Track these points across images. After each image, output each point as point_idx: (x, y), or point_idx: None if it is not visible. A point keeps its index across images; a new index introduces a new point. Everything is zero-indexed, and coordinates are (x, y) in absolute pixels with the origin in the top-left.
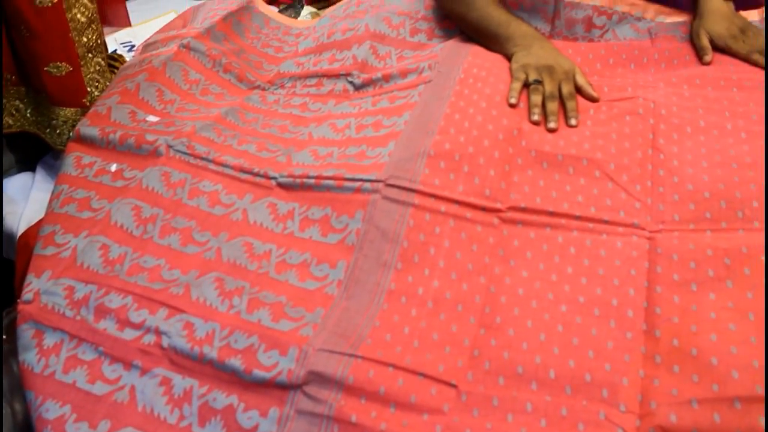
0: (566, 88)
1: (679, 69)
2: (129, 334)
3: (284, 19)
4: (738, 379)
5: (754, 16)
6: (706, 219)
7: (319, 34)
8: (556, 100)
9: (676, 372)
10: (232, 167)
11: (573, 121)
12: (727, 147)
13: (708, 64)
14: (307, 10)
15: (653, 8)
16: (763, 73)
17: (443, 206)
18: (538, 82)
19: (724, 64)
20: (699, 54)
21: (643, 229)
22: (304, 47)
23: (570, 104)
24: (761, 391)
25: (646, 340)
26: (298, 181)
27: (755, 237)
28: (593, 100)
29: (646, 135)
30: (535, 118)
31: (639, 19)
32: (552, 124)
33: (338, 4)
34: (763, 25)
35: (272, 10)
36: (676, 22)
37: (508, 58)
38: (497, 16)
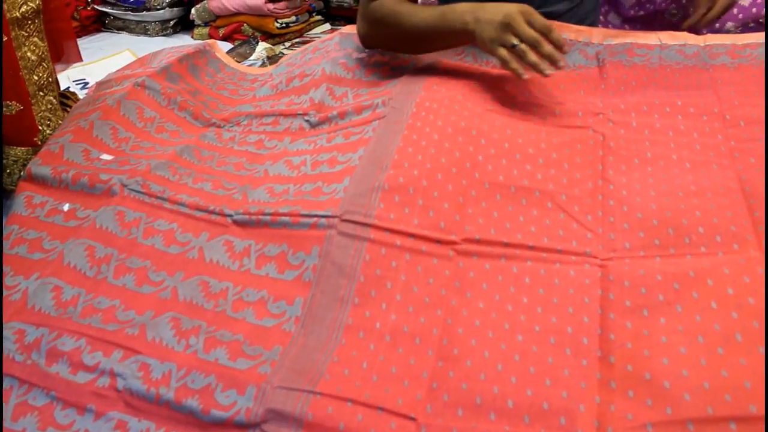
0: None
1: (627, 96)
2: (82, 377)
3: (239, 66)
4: (690, 401)
5: None
6: (655, 246)
7: (277, 82)
8: (532, 51)
9: (630, 397)
10: (188, 206)
11: (560, 64)
12: (673, 177)
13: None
14: (262, 45)
15: (598, 32)
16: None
17: (399, 240)
18: (514, 46)
19: (670, 89)
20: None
21: (596, 257)
22: (263, 94)
23: (544, 50)
24: (712, 412)
25: (601, 367)
26: (254, 218)
27: (702, 261)
28: (560, 44)
29: (595, 166)
30: (526, 77)
31: (587, 44)
32: (547, 72)
33: (294, 52)
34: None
35: (228, 57)
36: (623, 44)
37: (468, 35)
38: (431, 10)
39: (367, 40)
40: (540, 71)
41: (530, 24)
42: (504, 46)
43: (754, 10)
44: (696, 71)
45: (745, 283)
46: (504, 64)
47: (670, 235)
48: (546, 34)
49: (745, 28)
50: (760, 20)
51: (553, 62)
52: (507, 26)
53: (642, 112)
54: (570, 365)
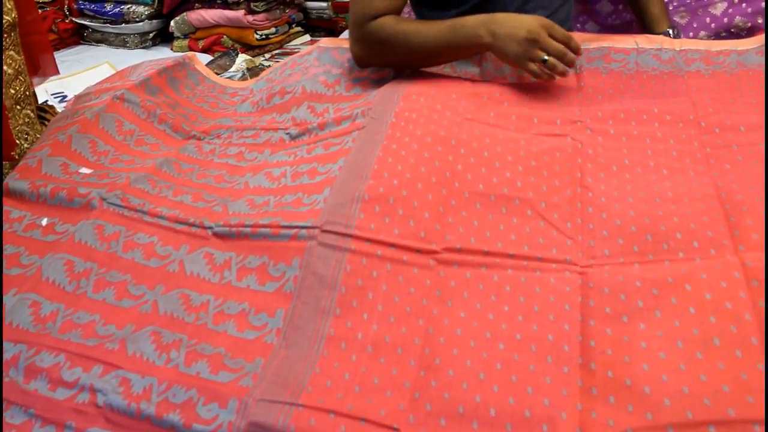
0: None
1: (604, 104)
2: (62, 394)
3: (219, 79)
4: (670, 406)
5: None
6: (633, 252)
7: (258, 99)
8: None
9: (611, 403)
10: (168, 218)
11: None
12: (650, 183)
13: None
14: (242, 57)
15: (575, 37)
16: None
17: (379, 250)
18: (545, 61)
19: (645, 97)
20: None
21: (575, 264)
22: (244, 111)
23: (568, 59)
24: (692, 417)
25: (582, 373)
26: (235, 230)
27: (680, 267)
28: (579, 50)
29: (574, 174)
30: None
31: None
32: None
33: (274, 67)
34: None
35: (208, 69)
36: (599, 48)
37: (482, 48)
38: (439, 26)
39: (364, 61)
40: (565, 76)
41: (552, 36)
42: (533, 61)
43: (725, 20)
44: (672, 78)
45: (722, 288)
46: (535, 76)
47: (649, 242)
48: (567, 43)
49: (717, 37)
50: (732, 30)
51: (573, 66)
52: (533, 42)
53: (619, 119)
54: (551, 373)
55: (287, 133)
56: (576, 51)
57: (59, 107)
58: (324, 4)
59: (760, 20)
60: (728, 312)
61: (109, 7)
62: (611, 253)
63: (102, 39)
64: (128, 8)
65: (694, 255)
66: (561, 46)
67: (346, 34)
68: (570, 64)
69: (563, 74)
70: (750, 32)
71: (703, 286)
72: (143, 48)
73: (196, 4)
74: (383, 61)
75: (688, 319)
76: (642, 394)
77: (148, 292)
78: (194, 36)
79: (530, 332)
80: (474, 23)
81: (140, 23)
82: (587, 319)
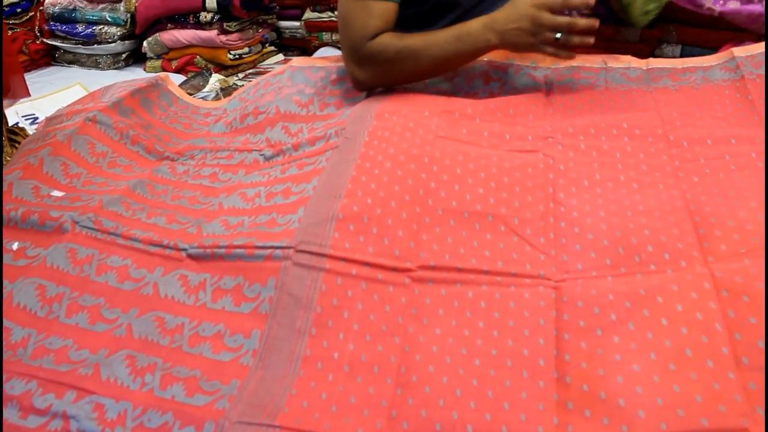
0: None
1: (574, 119)
2: (33, 422)
3: (192, 100)
4: (644, 418)
5: None
6: (606, 266)
7: (232, 119)
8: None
9: (587, 416)
10: (141, 241)
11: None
12: (621, 197)
13: None
14: (215, 77)
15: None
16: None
17: (354, 269)
18: (557, 39)
19: (615, 112)
20: None
21: (549, 279)
22: (217, 131)
23: (581, 25)
24: (666, 428)
25: (558, 388)
26: (209, 251)
27: (651, 279)
28: (586, 4)
29: (546, 189)
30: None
31: (534, 68)
32: (592, 41)
33: (247, 86)
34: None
35: (181, 90)
36: (569, 67)
37: (492, 49)
38: (444, 36)
39: (368, 83)
40: (588, 45)
41: (552, 11)
42: (548, 43)
43: None
44: (640, 94)
45: (693, 299)
46: (558, 57)
47: (621, 255)
48: (569, 7)
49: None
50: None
51: (592, 30)
52: (540, 26)
53: (590, 134)
54: (527, 388)
55: (261, 154)
56: (586, 5)
57: (30, 129)
58: (297, 24)
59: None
60: (699, 323)
61: (80, 28)
62: (584, 267)
63: (74, 60)
64: (100, 29)
65: (666, 267)
66: (566, 19)
67: (319, 53)
68: (589, 29)
69: (582, 45)
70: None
71: (675, 297)
72: (116, 69)
73: (169, 25)
74: (389, 80)
75: (661, 330)
76: (617, 407)
77: (122, 316)
78: (167, 56)
79: (506, 348)
80: (478, 29)
81: (113, 44)
82: (562, 333)
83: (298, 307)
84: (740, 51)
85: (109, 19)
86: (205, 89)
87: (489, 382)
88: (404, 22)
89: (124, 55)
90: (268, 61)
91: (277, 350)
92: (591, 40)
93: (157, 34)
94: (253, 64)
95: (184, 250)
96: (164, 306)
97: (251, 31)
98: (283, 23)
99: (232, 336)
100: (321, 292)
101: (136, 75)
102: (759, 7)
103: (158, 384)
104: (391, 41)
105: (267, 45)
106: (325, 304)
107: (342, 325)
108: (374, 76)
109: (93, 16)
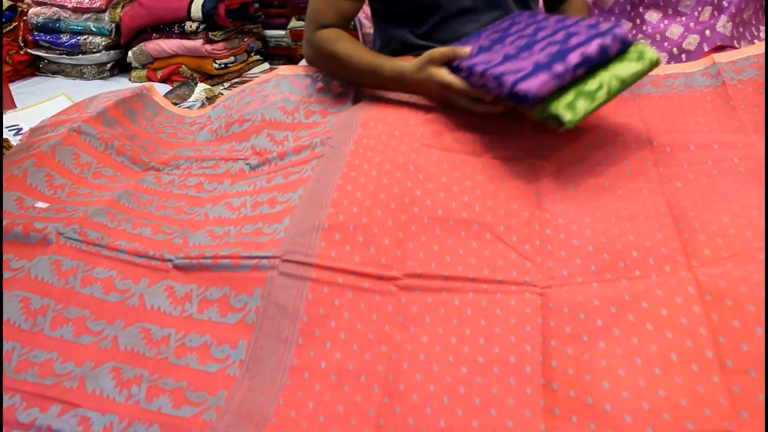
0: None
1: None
2: None
3: (177, 110)
4: (630, 422)
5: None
6: (591, 271)
7: (217, 126)
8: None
9: (574, 422)
10: (127, 252)
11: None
12: (606, 203)
13: None
14: (201, 86)
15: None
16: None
17: (341, 278)
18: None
19: (599, 118)
20: None
21: (535, 286)
22: (203, 139)
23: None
24: None
25: (545, 394)
26: (195, 262)
27: (636, 284)
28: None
29: (531, 196)
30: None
31: None
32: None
33: (231, 94)
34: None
35: (166, 100)
36: None
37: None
38: (366, 61)
39: (310, 63)
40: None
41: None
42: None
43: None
44: (623, 101)
45: (677, 304)
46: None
47: (606, 260)
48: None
49: (672, 58)
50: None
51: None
52: (446, 100)
53: (574, 141)
54: (515, 395)
55: (247, 163)
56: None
57: (14, 140)
58: (282, 33)
59: (706, 47)
60: (684, 327)
61: (65, 38)
62: (570, 273)
63: (58, 70)
64: (85, 39)
65: (650, 272)
66: (467, 104)
67: (305, 61)
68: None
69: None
70: (696, 55)
71: (659, 302)
72: (101, 79)
73: (154, 34)
74: (322, 70)
75: (646, 335)
76: (603, 412)
77: (108, 328)
78: (152, 66)
79: (493, 355)
80: (388, 74)
81: (97, 54)
82: (548, 339)
83: (284, 317)
84: (721, 57)
85: (94, 29)
86: (191, 99)
87: (476, 389)
88: (392, 20)
89: (109, 65)
90: (253, 70)
91: (264, 360)
92: (499, 109)
93: (143, 43)
94: (239, 73)
95: (170, 260)
96: (150, 317)
97: (237, 40)
98: (269, 32)
99: (218, 347)
100: (307, 302)
101: (122, 85)
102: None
103: (144, 396)
104: (329, 40)
105: (252, 54)
106: (311, 313)
107: (329, 334)
108: (312, 61)
109: (77, 26)
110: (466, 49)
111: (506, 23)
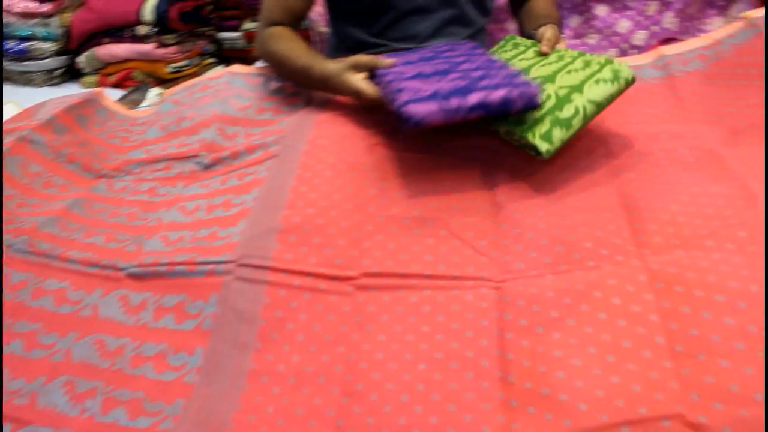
0: None
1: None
2: None
3: (129, 112)
4: (585, 410)
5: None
6: (546, 264)
7: (168, 122)
8: None
9: (531, 413)
10: (79, 262)
11: None
12: (559, 196)
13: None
14: (155, 91)
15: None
16: None
17: (297, 280)
18: None
19: None
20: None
21: (491, 280)
22: (153, 136)
23: None
24: (606, 419)
25: (502, 387)
26: (149, 269)
27: (590, 275)
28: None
29: (486, 191)
30: None
31: None
32: None
33: (181, 88)
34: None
35: (117, 105)
36: None
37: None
38: (301, 62)
39: (259, 56)
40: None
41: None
42: None
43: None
44: None
45: (629, 292)
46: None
47: (560, 252)
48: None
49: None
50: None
51: None
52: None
53: None
54: (472, 389)
55: (198, 163)
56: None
57: None
58: (236, 34)
59: (654, 41)
60: (636, 315)
61: (12, 44)
62: (525, 266)
63: (6, 77)
64: (32, 45)
65: (603, 262)
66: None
67: (260, 62)
68: None
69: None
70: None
71: (612, 291)
72: (51, 85)
73: (105, 39)
74: (268, 65)
75: (599, 324)
76: (559, 402)
77: (60, 341)
78: (104, 71)
79: (450, 350)
80: (317, 76)
81: (46, 60)
82: (504, 332)
83: (241, 322)
84: (668, 50)
85: (42, 35)
86: (144, 103)
87: (434, 385)
88: (346, 18)
89: (58, 72)
90: (208, 73)
91: (222, 366)
92: None
93: (93, 48)
94: (193, 76)
95: (124, 269)
96: (104, 328)
97: (190, 43)
98: (223, 34)
99: (175, 355)
100: (264, 305)
101: (72, 91)
102: None
103: (99, 409)
104: (272, 38)
105: (207, 57)
106: (268, 317)
107: (286, 337)
108: (260, 55)
109: (24, 31)
110: (389, 60)
111: (446, 47)
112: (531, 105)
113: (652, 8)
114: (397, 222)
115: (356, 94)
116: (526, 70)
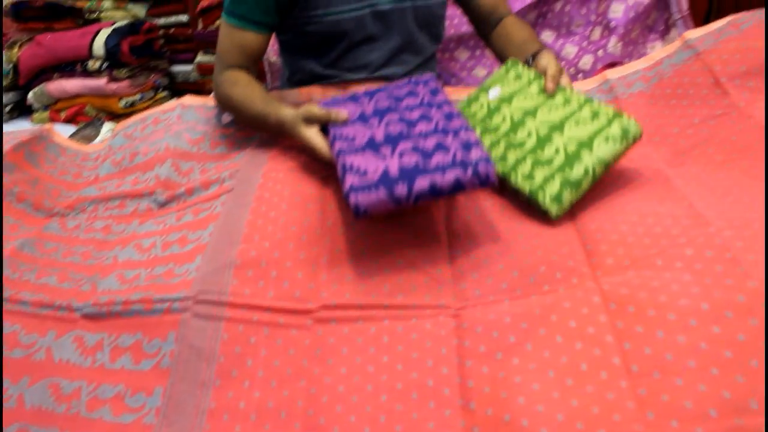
0: None
1: None
2: None
3: (81, 147)
4: None
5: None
6: (503, 290)
7: (120, 158)
8: None
9: None
10: (31, 303)
11: None
12: (513, 221)
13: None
14: (107, 126)
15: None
16: None
17: (255, 315)
18: None
19: None
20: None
21: (449, 308)
22: (106, 172)
23: None
24: None
25: (464, 414)
26: (105, 309)
27: (546, 299)
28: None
29: (441, 219)
30: None
31: None
32: None
33: (133, 121)
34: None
35: (68, 141)
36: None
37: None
38: (257, 107)
39: (216, 100)
40: None
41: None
42: None
43: (575, 61)
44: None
45: (584, 314)
46: None
47: (516, 278)
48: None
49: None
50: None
51: None
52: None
53: None
54: (434, 418)
55: (154, 200)
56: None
57: None
58: (189, 67)
59: (599, 65)
60: (591, 336)
61: None
62: (482, 293)
63: None
64: None
65: (558, 286)
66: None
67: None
68: None
69: None
70: (591, 74)
71: (567, 314)
72: None
73: (55, 74)
74: (226, 110)
75: (557, 348)
76: (521, 428)
77: (12, 387)
78: (55, 107)
79: (411, 380)
80: (274, 124)
81: None
82: (464, 360)
83: (200, 360)
84: (613, 73)
85: None
86: (97, 139)
87: (396, 416)
88: (298, 51)
89: (8, 108)
90: (161, 106)
91: (182, 406)
92: None
93: (43, 84)
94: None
95: (79, 309)
96: (59, 371)
97: (142, 77)
98: (176, 68)
99: (133, 396)
100: (223, 342)
101: (23, 128)
102: None
103: None
104: (227, 83)
105: (160, 90)
106: (227, 353)
107: (246, 373)
108: (217, 99)
109: None
110: (342, 115)
111: (405, 90)
112: (484, 185)
113: (596, 33)
114: (353, 253)
115: (310, 149)
116: (532, 113)
